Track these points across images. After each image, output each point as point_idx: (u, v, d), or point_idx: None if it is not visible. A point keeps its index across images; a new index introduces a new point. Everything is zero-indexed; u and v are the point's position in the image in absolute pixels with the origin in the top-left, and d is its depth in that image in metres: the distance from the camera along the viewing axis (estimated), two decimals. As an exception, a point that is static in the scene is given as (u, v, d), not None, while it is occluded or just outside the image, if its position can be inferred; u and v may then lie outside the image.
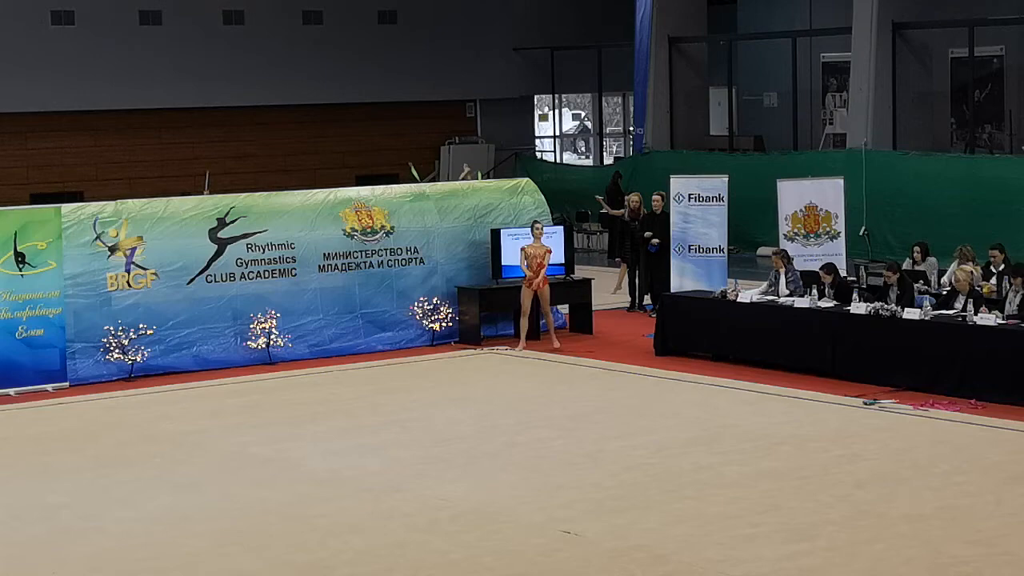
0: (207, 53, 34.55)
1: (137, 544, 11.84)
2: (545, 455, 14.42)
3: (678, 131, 34.69)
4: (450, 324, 21.01)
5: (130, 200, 20.22)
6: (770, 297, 19.19)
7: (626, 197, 25.01)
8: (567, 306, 22.02)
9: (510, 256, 21.12)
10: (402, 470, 14.01)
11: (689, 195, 22.57)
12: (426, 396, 17.66)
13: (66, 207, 19.31)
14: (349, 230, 20.82)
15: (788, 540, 11.46)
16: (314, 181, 29.45)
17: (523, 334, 20.48)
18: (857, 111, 29.87)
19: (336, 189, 21.80)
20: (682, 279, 22.29)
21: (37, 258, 18.41)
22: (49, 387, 18.36)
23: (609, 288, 24.84)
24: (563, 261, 21.51)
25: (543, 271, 20.23)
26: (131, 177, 33.31)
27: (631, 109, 37.53)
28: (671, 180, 22.96)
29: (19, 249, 18.29)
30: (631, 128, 37.49)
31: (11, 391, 18.12)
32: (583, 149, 45.40)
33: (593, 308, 21.86)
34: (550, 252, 20.43)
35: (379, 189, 21.93)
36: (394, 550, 11.51)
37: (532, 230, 20.64)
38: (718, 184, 22.65)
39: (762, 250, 27.98)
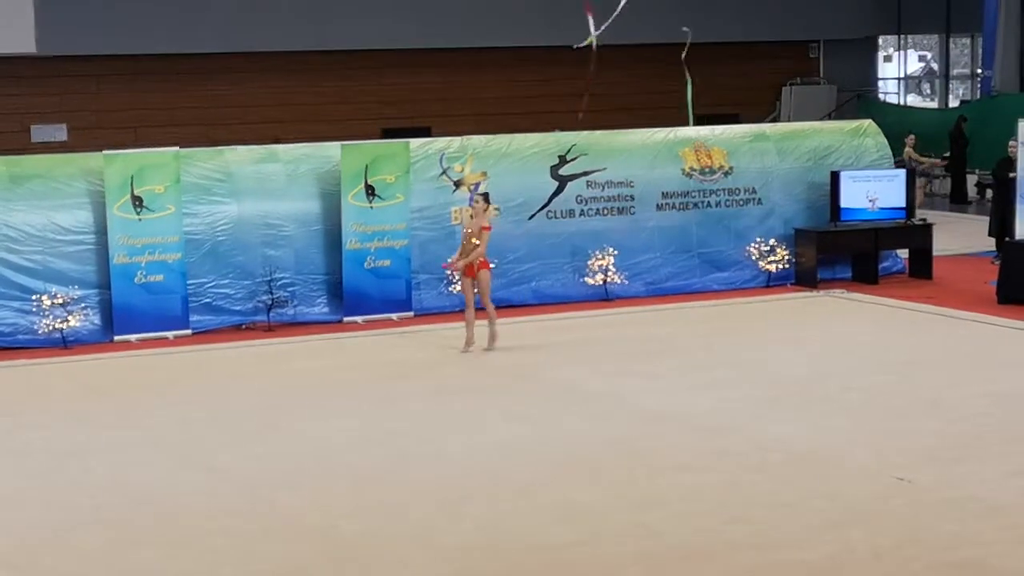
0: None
1: (474, 471, 12.22)
2: (879, 401, 14.30)
3: (1029, 74, 33.59)
4: (786, 266, 20.91)
5: (475, 136, 20.69)
6: (1122, 247, 18.52)
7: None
8: (906, 251, 21.69)
9: (850, 199, 20.89)
10: (734, 410, 14.08)
11: (1038, 140, 21.82)
12: (760, 337, 17.66)
13: (415, 142, 19.86)
14: (688, 169, 20.90)
15: None
16: (657, 120, 29.51)
17: (469, 329, 16.91)
18: None
19: (676, 128, 21.86)
20: (1028, 226, 21.61)
21: (387, 191, 19.02)
22: (394, 316, 19.02)
23: (953, 233, 24.39)
24: (904, 205, 21.21)
25: (478, 252, 16.67)
26: (478, 113, 33.96)
27: (979, 51, 36.46)
28: (1019, 124, 22.25)
29: (369, 182, 18.93)
30: (979, 70, 36.44)
31: (359, 319, 18.83)
32: (928, 92, 44.33)
33: (934, 253, 21.50)
34: (488, 230, 16.76)
35: (719, 129, 21.92)
36: (725, 488, 11.58)
37: (472, 201, 17.61)
38: (1071, 129, 21.83)
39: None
